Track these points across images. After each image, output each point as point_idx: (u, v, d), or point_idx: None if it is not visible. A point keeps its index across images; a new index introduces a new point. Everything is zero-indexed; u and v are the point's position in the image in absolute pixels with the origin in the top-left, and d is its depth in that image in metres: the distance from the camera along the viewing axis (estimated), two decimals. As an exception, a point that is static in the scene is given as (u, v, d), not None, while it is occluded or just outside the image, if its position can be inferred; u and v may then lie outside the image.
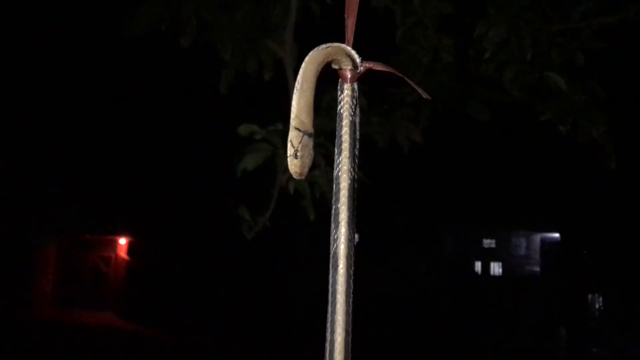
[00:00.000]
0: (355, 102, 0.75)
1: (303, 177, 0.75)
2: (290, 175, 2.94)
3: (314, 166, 2.95)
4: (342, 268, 0.73)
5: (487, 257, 25.79)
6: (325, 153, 2.81)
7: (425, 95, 0.80)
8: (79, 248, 20.33)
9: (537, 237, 25.67)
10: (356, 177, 0.75)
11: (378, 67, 0.77)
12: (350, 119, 0.75)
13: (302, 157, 0.72)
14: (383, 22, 3.54)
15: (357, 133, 0.76)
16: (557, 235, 25.20)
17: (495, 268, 26.01)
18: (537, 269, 25.52)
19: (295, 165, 0.73)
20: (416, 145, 3.92)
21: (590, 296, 23.96)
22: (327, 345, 0.71)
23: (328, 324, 0.72)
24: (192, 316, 17.76)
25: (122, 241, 20.57)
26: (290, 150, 0.72)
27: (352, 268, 0.75)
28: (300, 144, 0.72)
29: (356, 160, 0.75)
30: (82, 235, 20.16)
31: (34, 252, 18.59)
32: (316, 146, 2.76)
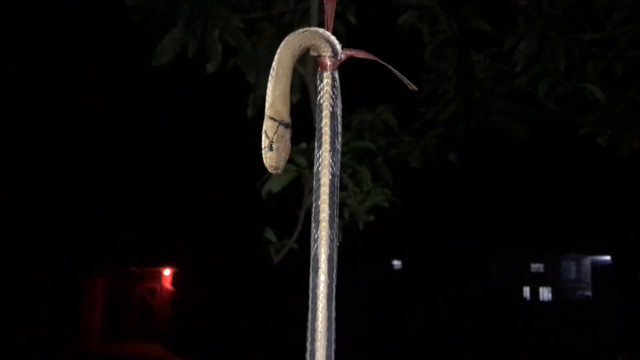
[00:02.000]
0: (336, 92, 0.70)
1: (279, 171, 0.69)
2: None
3: (342, 187, 2.89)
4: (323, 271, 0.66)
5: (536, 282, 25.03)
6: (352, 172, 2.75)
7: (411, 87, 0.74)
8: (125, 280, 20.62)
9: (588, 260, 24.76)
10: (338, 172, 0.69)
11: (360, 54, 0.72)
12: (331, 109, 0.69)
13: (277, 148, 0.67)
14: (410, 40, 3.48)
15: (339, 125, 0.70)
16: (608, 257, 24.29)
17: (545, 293, 25.19)
18: (589, 293, 24.59)
19: (270, 158, 0.67)
20: (452, 165, 3.82)
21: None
22: (308, 356, 0.65)
23: (308, 333, 0.65)
24: (236, 347, 17.71)
25: (167, 272, 20.79)
26: (264, 142, 0.67)
27: (335, 271, 0.68)
28: (276, 135, 0.67)
29: (338, 155, 0.69)
30: (128, 267, 20.46)
31: (83, 285, 18.94)
32: (343, 166, 2.71)
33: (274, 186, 2.59)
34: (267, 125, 0.67)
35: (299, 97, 3.26)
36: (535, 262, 24.93)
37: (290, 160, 2.69)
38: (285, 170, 2.77)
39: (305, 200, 2.64)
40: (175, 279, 20.94)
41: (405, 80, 0.74)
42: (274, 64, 0.68)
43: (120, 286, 20.57)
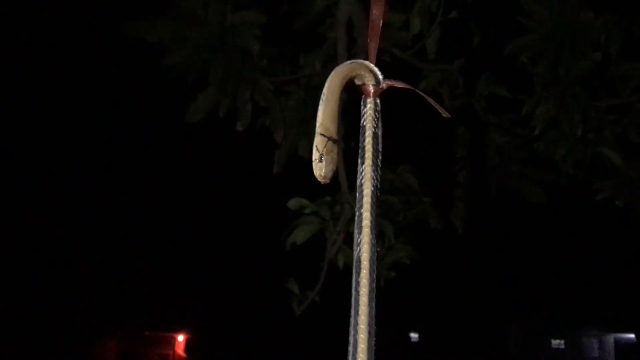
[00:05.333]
0: (377, 116, 0.79)
1: (327, 181, 0.78)
2: (339, 249, 2.96)
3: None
4: (365, 271, 0.74)
5: (556, 358, 24.25)
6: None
7: (445, 114, 0.83)
8: (138, 344, 20.39)
9: (611, 338, 24.02)
10: (379, 186, 0.78)
11: (399, 84, 0.81)
12: (373, 130, 0.78)
13: (326, 161, 0.76)
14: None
15: (380, 145, 0.79)
16: (632, 336, 23.56)
17: (566, 371, 24.36)
18: (613, 372, 23.73)
19: (319, 168, 0.76)
20: (471, 228, 3.87)
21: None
22: (350, 348, 0.71)
23: (351, 327, 0.72)
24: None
25: (180, 338, 20.55)
26: (315, 155, 0.76)
27: (375, 272, 0.76)
28: (325, 149, 0.76)
29: (379, 170, 0.78)
30: (141, 331, 20.28)
31: (94, 347, 18.77)
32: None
33: (298, 237, 2.67)
34: (318, 141, 0.76)
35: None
36: (555, 337, 24.25)
37: (314, 213, 2.78)
38: (308, 223, 2.86)
39: (328, 252, 2.71)
40: (189, 345, 20.66)
41: (440, 108, 0.83)
42: (324, 89, 0.78)
43: (133, 350, 20.32)
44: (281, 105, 3.45)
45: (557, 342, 24.60)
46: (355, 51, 3.07)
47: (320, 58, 3.50)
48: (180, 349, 20.70)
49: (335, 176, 0.80)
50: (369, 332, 0.71)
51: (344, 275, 2.85)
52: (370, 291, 0.73)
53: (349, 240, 2.79)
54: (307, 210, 2.73)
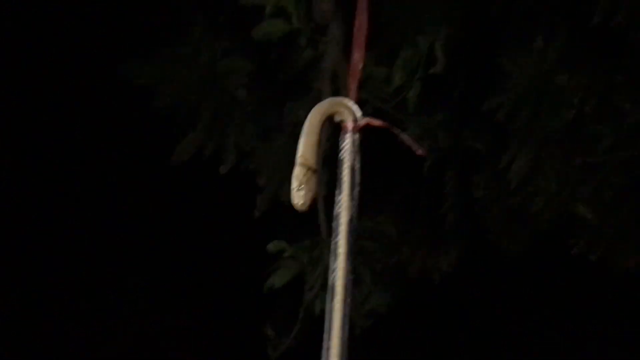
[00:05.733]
0: (355, 150, 0.85)
1: (305, 209, 0.82)
2: (317, 296, 2.96)
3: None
4: (339, 296, 0.78)
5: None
6: (355, 279, 2.83)
7: (421, 151, 0.89)
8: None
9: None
10: (355, 216, 0.82)
11: (376, 122, 0.88)
12: (350, 163, 0.84)
13: (305, 190, 0.81)
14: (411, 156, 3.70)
15: (358, 177, 0.84)
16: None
17: None
18: None
19: (298, 196, 0.81)
20: (447, 277, 3.90)
21: None
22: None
23: (323, 352, 0.76)
24: None
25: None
26: (294, 184, 0.81)
27: (349, 299, 0.80)
28: (305, 178, 0.81)
29: (356, 202, 0.83)
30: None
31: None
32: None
33: (277, 281, 2.69)
34: (297, 170, 0.81)
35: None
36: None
37: (293, 257, 2.80)
38: (287, 266, 2.88)
39: (305, 297, 2.72)
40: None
41: (415, 145, 0.89)
42: (305, 123, 0.84)
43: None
44: (265, 150, 3.51)
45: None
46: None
47: (304, 107, 3.59)
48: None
49: (314, 205, 0.85)
50: (341, 355, 0.75)
51: (321, 322, 2.85)
52: (343, 317, 0.77)
53: (326, 287, 2.80)
54: (286, 254, 2.76)
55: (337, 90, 3.20)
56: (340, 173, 0.83)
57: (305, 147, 0.82)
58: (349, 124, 0.85)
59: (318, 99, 3.16)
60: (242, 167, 3.50)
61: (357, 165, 0.85)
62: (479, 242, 3.77)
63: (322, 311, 2.55)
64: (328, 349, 0.75)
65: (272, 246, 2.78)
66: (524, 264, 3.81)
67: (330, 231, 2.66)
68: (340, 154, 0.85)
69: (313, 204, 0.85)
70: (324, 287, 2.80)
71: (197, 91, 3.38)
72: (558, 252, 3.62)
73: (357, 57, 0.89)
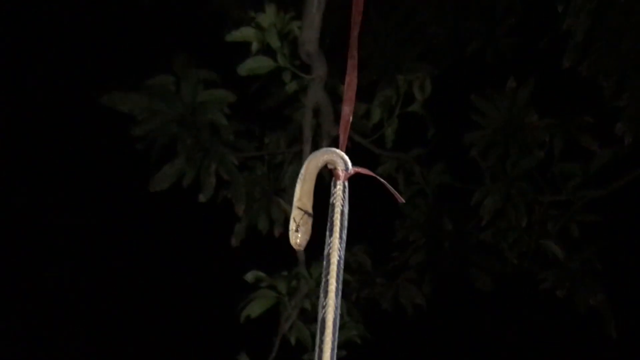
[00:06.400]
0: (345, 196, 0.92)
1: (301, 249, 0.89)
2: (292, 325, 3.00)
3: (315, 319, 3.02)
4: (329, 330, 0.84)
5: None
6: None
7: (400, 200, 0.97)
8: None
9: None
10: (342, 257, 0.89)
11: (364, 171, 0.95)
12: (341, 208, 0.91)
13: (302, 231, 0.88)
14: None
15: (346, 222, 0.91)
16: None
17: None
18: None
19: (296, 237, 0.88)
20: (420, 310, 3.97)
21: None
22: (313, 398, 0.80)
23: (313, 381, 0.81)
24: None
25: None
26: (292, 225, 0.88)
27: (337, 334, 0.86)
28: (302, 220, 0.88)
29: (344, 244, 0.90)
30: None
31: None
32: (318, 296, 2.81)
33: (254, 311, 2.72)
34: (295, 213, 0.88)
35: (282, 230, 3.48)
36: None
37: (271, 287, 2.84)
38: (264, 296, 2.91)
39: (281, 327, 2.76)
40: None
41: (396, 195, 0.96)
42: (302, 170, 0.91)
43: None
44: (244, 180, 3.56)
45: None
46: (319, 134, 3.25)
47: (284, 138, 3.67)
48: None
49: (307, 245, 0.92)
50: (330, 383, 0.80)
51: (297, 351, 2.89)
52: (332, 349, 0.83)
53: (303, 316, 2.85)
54: (263, 284, 2.80)
55: (318, 124, 3.30)
56: (332, 216, 0.90)
57: (302, 192, 0.89)
58: (340, 173, 0.92)
59: (298, 131, 3.26)
60: (221, 195, 3.54)
61: (346, 210, 0.91)
62: (452, 276, 3.85)
63: (298, 341, 2.61)
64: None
65: (249, 276, 2.83)
66: (496, 298, 3.90)
67: (308, 262, 2.72)
68: (331, 199, 0.92)
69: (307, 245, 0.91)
70: (300, 317, 2.84)
71: (178, 120, 3.43)
72: (528, 288, 3.72)
73: (347, 110, 0.97)
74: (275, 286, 2.78)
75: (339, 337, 2.51)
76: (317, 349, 0.84)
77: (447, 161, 3.77)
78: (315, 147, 3.13)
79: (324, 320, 0.84)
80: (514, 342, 4.56)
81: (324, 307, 0.85)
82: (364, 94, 3.38)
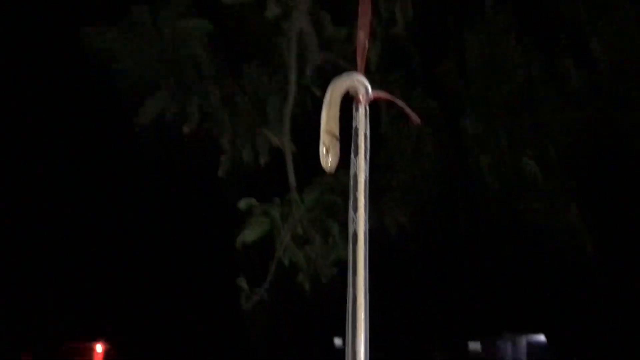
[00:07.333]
0: (367, 119, 0.97)
1: (332, 171, 0.95)
2: (287, 249, 3.11)
3: (308, 240, 3.13)
4: (361, 245, 0.91)
5: (474, 362, 25.19)
6: (321, 228, 3.00)
7: (417, 120, 1.03)
8: (52, 358, 19.53)
9: (523, 340, 25.23)
10: (367, 175, 0.96)
11: (383, 94, 1.00)
12: (364, 131, 0.97)
13: (332, 154, 0.93)
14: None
15: (368, 143, 0.97)
16: (542, 337, 24.85)
17: (483, 376, 25.33)
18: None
19: (327, 161, 0.93)
20: (404, 230, 4.09)
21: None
22: (349, 306, 0.89)
23: (349, 289, 0.90)
24: None
25: (99, 348, 19.85)
26: (322, 150, 0.93)
27: (367, 245, 0.93)
28: (331, 144, 0.93)
29: (367, 164, 0.96)
30: (56, 344, 19.44)
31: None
32: (312, 220, 2.92)
33: (249, 237, 2.81)
34: (324, 138, 0.93)
35: (268, 159, 3.53)
36: (472, 341, 25.18)
37: (265, 213, 2.93)
38: (258, 223, 3.00)
39: (277, 251, 2.86)
40: (108, 355, 19.93)
41: (413, 115, 1.02)
42: (327, 97, 0.95)
43: (48, 362, 19.40)
44: (228, 112, 3.58)
45: (474, 346, 25.55)
46: (304, 62, 3.26)
47: (266, 70, 3.66)
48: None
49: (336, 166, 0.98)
50: (366, 295, 0.89)
51: (291, 273, 3.01)
52: (365, 259, 0.91)
53: (296, 240, 2.96)
54: (257, 211, 2.88)
55: (303, 51, 3.30)
56: (356, 139, 0.95)
57: (329, 118, 0.93)
58: (362, 97, 0.97)
59: (279, 60, 3.25)
60: (205, 128, 3.56)
61: (368, 132, 0.97)
62: (432, 199, 3.97)
63: (292, 263, 2.72)
64: (354, 285, 0.89)
65: (242, 204, 2.90)
66: (477, 220, 4.04)
67: (300, 187, 2.78)
68: (354, 123, 0.97)
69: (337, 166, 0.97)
70: (294, 240, 2.94)
71: (158, 53, 3.39)
72: (507, 209, 3.85)
73: (362, 37, 1.00)
74: (268, 212, 2.86)
75: (331, 256, 2.61)
76: (349, 260, 0.91)
77: (429, 85, 3.81)
78: (301, 74, 3.15)
79: (355, 234, 0.91)
80: (494, 260, 4.76)
81: (354, 221, 0.92)
82: (346, 18, 3.37)
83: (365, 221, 0.93)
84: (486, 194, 4.00)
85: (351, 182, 0.97)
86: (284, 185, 2.88)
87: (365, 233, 0.93)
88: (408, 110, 1.05)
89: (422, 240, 4.25)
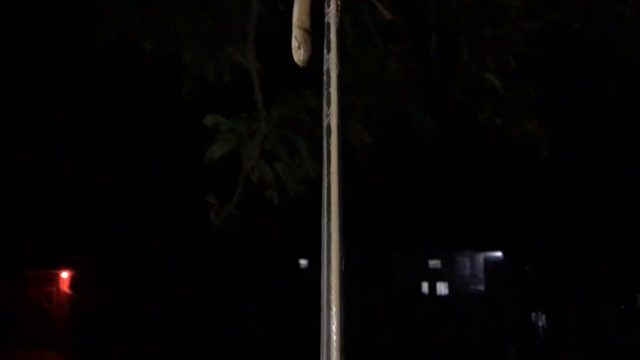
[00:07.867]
0: (338, 14, 0.98)
1: (304, 65, 0.97)
2: (255, 165, 3.14)
3: (276, 157, 3.16)
4: (334, 137, 0.95)
5: (434, 277, 26.34)
6: (286, 145, 3.02)
7: (389, 16, 1.04)
8: (19, 284, 19.55)
9: (481, 257, 26.39)
10: (339, 71, 0.98)
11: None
12: (336, 26, 0.98)
13: (304, 49, 0.95)
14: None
15: (340, 38, 0.99)
16: (500, 254, 26.02)
17: (442, 288, 26.53)
18: (482, 287, 26.20)
19: (299, 54, 0.95)
20: (368, 149, 4.16)
21: (533, 314, 24.70)
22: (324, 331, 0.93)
23: (324, 189, 0.93)
24: (138, 353, 17.29)
25: (64, 275, 19.89)
26: (294, 44, 0.95)
27: (341, 138, 0.97)
28: (302, 38, 0.95)
29: (340, 59, 0.98)
30: (22, 271, 19.41)
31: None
32: (280, 137, 2.94)
33: (215, 153, 2.82)
34: (296, 32, 0.95)
35: (230, 77, 3.50)
36: (432, 258, 26.21)
37: (231, 129, 2.93)
38: (225, 139, 3.00)
39: (244, 167, 2.88)
40: (74, 281, 20.05)
41: (385, 12, 1.04)
42: (298, -10, 0.95)
43: (15, 291, 19.46)
44: (189, 27, 3.49)
45: (434, 263, 26.60)
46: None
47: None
48: (64, 286, 20.08)
49: (308, 63, 1.00)
50: (340, 185, 0.93)
51: (259, 189, 3.05)
52: (338, 152, 0.94)
53: (264, 156, 2.98)
54: (223, 127, 2.87)
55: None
56: (328, 34, 0.97)
57: (300, 12, 0.95)
58: (334, -9, 0.97)
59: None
60: (167, 44, 3.48)
61: (339, 28, 0.99)
62: (398, 116, 4.01)
63: (260, 178, 2.75)
64: (328, 185, 0.93)
65: (208, 120, 2.88)
66: (439, 136, 4.11)
67: (267, 103, 2.79)
68: (326, 18, 0.98)
69: (309, 62, 0.99)
70: (262, 156, 2.97)
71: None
72: (469, 123, 3.93)
73: None
74: (235, 128, 2.86)
75: (298, 173, 2.66)
76: (324, 152, 0.95)
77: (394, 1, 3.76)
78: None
79: (329, 127, 0.95)
80: (445, 182, 4.90)
81: (328, 115, 0.95)
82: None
83: (338, 115, 0.96)
84: (449, 110, 4.06)
85: (324, 78, 0.99)
86: (251, 104, 2.87)
87: (338, 126, 0.96)
88: (380, 6, 1.06)
89: (386, 160, 4.33)
